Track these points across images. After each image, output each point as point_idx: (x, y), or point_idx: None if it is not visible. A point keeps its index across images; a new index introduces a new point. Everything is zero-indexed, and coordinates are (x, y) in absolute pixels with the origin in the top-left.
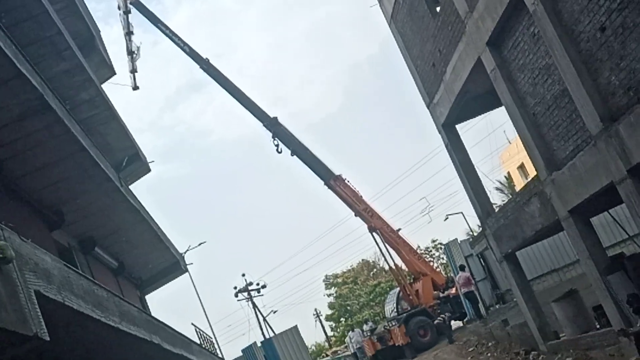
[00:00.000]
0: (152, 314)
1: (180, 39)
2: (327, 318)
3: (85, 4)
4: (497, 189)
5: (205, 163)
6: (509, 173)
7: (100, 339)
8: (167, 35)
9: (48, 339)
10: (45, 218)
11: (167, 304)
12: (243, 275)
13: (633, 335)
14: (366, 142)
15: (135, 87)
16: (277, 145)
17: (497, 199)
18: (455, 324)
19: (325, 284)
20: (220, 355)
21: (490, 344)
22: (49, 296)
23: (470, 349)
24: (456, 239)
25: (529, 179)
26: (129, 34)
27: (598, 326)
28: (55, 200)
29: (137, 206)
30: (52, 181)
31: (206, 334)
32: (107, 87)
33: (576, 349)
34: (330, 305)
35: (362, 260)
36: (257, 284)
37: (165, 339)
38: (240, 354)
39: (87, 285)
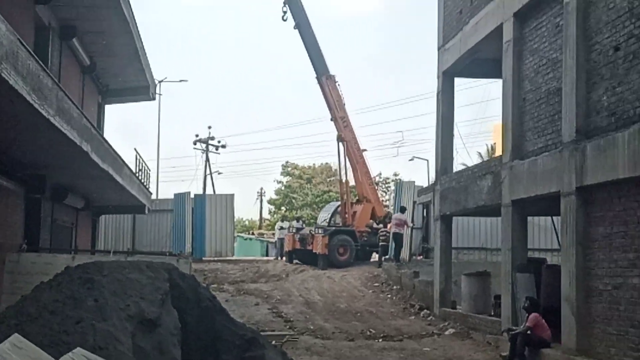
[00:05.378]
0: (99, 125)
1: None
2: (270, 201)
3: None
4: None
5: None
6: (495, 144)
7: (27, 127)
8: None
9: None
10: None
11: (124, 125)
12: (209, 127)
13: (512, 335)
14: (367, 60)
15: None
16: (284, 12)
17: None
18: (374, 256)
19: (283, 170)
20: (149, 190)
21: (395, 287)
22: None
23: (376, 284)
24: (414, 181)
25: (494, 156)
26: None
27: (492, 314)
28: None
29: (128, 16)
30: None
31: (146, 165)
32: None
33: (463, 324)
34: (277, 191)
35: (326, 163)
36: (219, 142)
37: (97, 150)
38: (172, 197)
39: (34, 67)
